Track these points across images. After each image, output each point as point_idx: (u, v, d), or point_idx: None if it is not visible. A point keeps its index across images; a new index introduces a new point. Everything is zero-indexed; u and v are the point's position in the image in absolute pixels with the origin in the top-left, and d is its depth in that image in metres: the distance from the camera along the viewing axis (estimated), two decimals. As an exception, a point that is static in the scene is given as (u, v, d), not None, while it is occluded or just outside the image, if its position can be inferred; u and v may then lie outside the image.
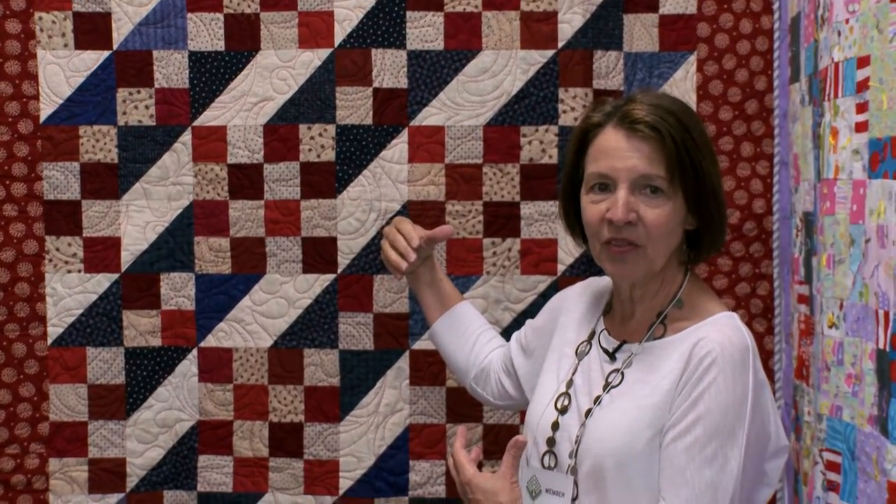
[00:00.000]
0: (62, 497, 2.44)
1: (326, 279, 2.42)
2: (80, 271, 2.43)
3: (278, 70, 2.41)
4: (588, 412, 1.69)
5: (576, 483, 1.67)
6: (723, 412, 1.56)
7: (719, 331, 1.62)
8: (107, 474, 2.45)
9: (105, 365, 2.44)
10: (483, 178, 2.39)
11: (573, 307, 1.90)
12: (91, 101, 2.41)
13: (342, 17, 2.39)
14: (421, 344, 2.41)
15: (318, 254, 2.42)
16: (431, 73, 2.39)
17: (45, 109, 2.41)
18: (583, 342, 1.81)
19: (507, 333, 2.38)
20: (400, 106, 2.39)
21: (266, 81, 2.41)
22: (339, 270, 2.42)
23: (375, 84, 2.40)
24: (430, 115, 2.39)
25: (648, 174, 1.64)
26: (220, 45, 2.41)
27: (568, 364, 1.81)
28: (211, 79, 2.41)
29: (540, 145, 2.38)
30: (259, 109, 2.41)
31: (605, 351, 1.75)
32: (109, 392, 2.44)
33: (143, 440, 2.45)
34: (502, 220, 2.39)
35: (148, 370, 2.44)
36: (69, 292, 2.43)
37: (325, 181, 2.41)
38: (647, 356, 1.69)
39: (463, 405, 2.40)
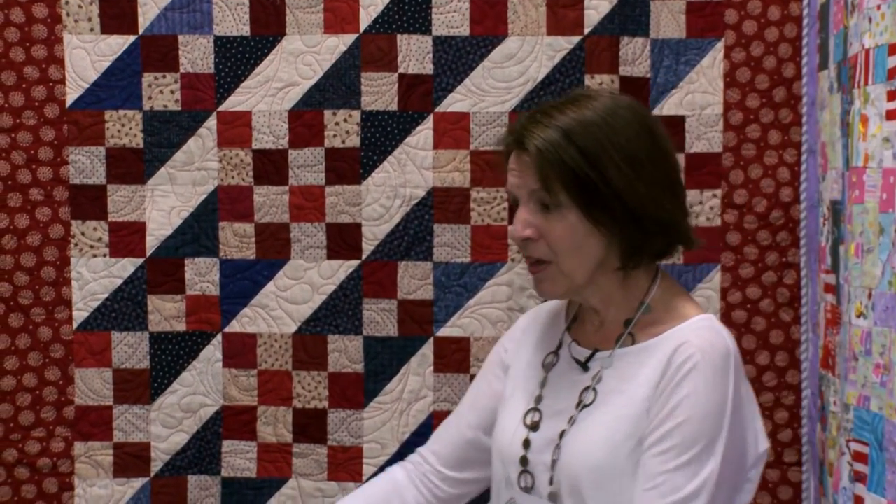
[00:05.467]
0: (87, 481, 2.45)
1: (351, 265, 2.42)
2: (105, 256, 2.44)
3: (303, 55, 2.40)
4: (562, 433, 1.63)
5: None
6: (701, 420, 1.52)
7: (700, 335, 1.58)
8: (131, 458, 2.46)
9: (130, 349, 2.45)
10: (508, 165, 2.39)
11: (523, 343, 1.83)
12: (117, 86, 2.42)
13: (368, 3, 2.38)
14: (445, 331, 2.41)
15: (343, 240, 2.42)
16: (457, 59, 2.38)
17: (72, 94, 2.41)
18: (550, 354, 1.75)
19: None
20: (425, 92, 2.39)
21: (291, 67, 2.41)
22: (364, 257, 2.42)
23: (401, 70, 2.39)
24: (455, 102, 2.38)
25: (535, 190, 1.61)
26: (245, 30, 2.41)
27: (535, 380, 1.75)
28: (236, 64, 2.41)
29: (565, 132, 2.37)
30: (284, 95, 2.41)
31: (577, 361, 1.69)
32: (134, 376, 2.45)
33: (167, 425, 2.46)
34: (527, 207, 2.39)
35: (172, 355, 2.45)
36: (94, 276, 2.44)
37: (349, 167, 2.41)
38: (621, 364, 1.63)
39: (486, 392, 2.40)
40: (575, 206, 1.59)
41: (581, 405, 1.63)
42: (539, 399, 1.70)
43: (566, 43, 2.36)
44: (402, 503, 1.86)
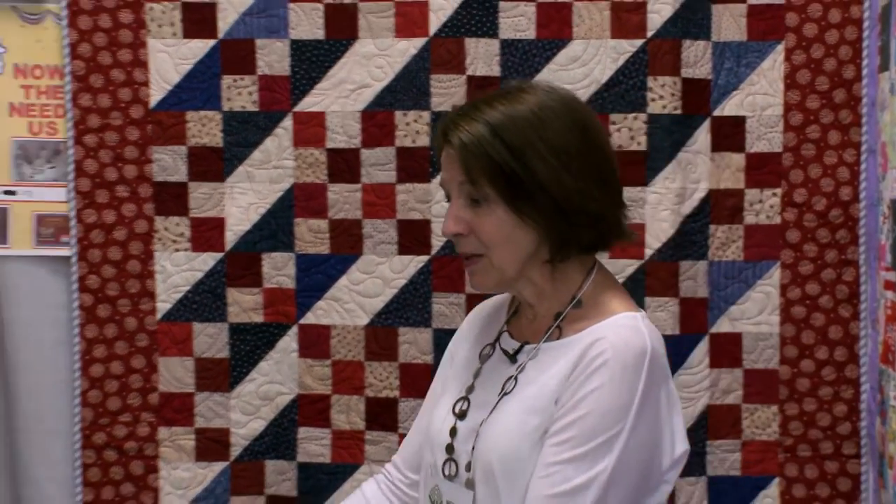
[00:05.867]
0: (171, 464, 2.54)
1: (421, 260, 2.49)
2: (187, 250, 2.52)
3: (375, 58, 2.47)
4: (483, 422, 1.61)
5: (475, 497, 1.60)
6: (602, 415, 1.49)
7: (618, 332, 1.54)
8: (212, 443, 2.53)
9: (210, 339, 2.53)
10: (573, 164, 2.43)
11: (466, 337, 1.82)
12: (198, 88, 2.50)
13: (437, 7, 2.44)
14: (512, 324, 2.46)
15: (413, 236, 2.48)
16: (523, 61, 2.44)
17: (155, 95, 2.50)
18: (487, 346, 1.73)
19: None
20: (493, 93, 2.45)
21: (363, 69, 2.47)
22: (433, 252, 2.48)
23: (469, 72, 2.45)
24: (522, 103, 2.44)
25: (461, 183, 1.59)
26: (320, 34, 2.48)
27: (471, 371, 1.73)
28: (311, 66, 2.48)
29: (629, 132, 2.41)
30: (357, 96, 2.48)
31: (505, 352, 1.67)
32: (215, 365, 2.53)
33: (246, 412, 2.53)
34: (591, 204, 2.43)
35: (251, 345, 2.53)
36: (177, 270, 2.52)
37: (419, 166, 2.47)
38: (544, 357, 1.61)
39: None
40: (501, 200, 1.56)
41: (502, 393, 1.62)
42: (470, 389, 1.69)
43: (629, 46, 2.41)
44: None
